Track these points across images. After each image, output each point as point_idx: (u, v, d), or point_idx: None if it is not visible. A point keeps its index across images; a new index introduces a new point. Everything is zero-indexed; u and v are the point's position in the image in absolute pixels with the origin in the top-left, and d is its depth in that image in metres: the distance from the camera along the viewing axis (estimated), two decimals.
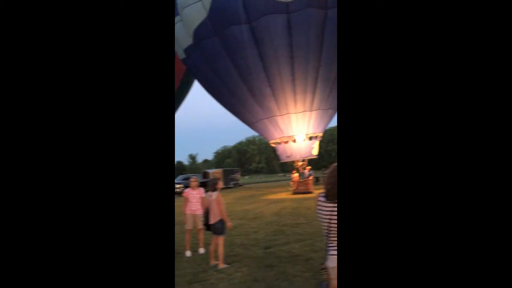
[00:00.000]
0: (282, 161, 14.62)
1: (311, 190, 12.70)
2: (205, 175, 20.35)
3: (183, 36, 11.11)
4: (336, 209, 1.76)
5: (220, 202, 3.78)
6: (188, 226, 4.44)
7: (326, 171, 2.09)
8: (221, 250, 3.67)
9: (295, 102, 11.71)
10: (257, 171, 65.00)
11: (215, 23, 10.11)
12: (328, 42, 10.45)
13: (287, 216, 7.22)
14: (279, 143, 13.33)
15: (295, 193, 13.02)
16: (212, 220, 3.80)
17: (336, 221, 1.75)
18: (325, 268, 1.87)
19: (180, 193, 16.32)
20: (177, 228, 6.41)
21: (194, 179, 4.73)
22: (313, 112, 12.29)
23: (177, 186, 17.38)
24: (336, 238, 1.77)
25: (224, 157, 71.30)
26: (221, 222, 3.74)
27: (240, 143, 72.94)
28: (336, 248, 1.76)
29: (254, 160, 66.70)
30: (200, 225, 4.39)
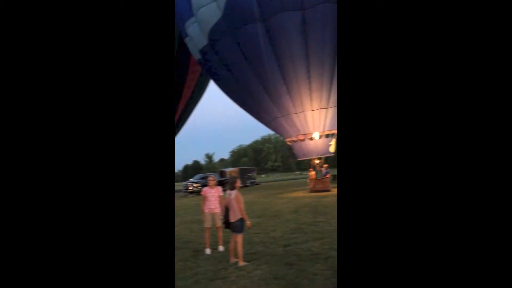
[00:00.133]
0: (298, 159, 14.53)
1: (328, 188, 12.55)
2: (222, 174, 20.52)
3: (198, 36, 11.24)
4: None
5: (240, 201, 3.81)
6: (207, 224, 4.49)
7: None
8: (240, 248, 3.70)
9: (311, 99, 11.60)
10: (273, 170, 64.89)
11: (229, 23, 10.17)
12: None
13: (305, 214, 7.18)
14: (295, 141, 13.25)
15: (312, 191, 12.91)
16: (232, 219, 3.83)
17: None
18: None
19: (198, 192, 16.60)
20: (195, 226, 6.53)
21: (212, 178, 4.78)
22: (329, 109, 12.14)
23: (194, 185, 17.63)
24: None
25: (240, 156, 71.62)
26: (241, 220, 3.77)
27: (256, 142, 73.05)
28: None
29: (270, 159, 66.62)
30: (219, 223, 4.44)
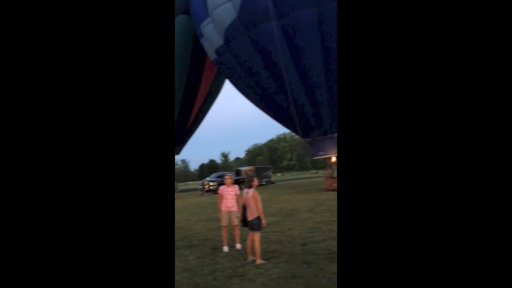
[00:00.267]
0: (314, 158, 14.40)
1: None
2: (238, 172, 20.65)
3: (214, 36, 11.33)
4: None
5: (257, 199, 3.83)
6: (224, 222, 4.54)
7: None
8: (258, 246, 3.72)
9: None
10: (288, 168, 64.62)
11: (245, 22, 10.19)
12: None
13: (322, 213, 7.12)
14: (313, 139, 13.14)
15: (329, 190, 12.77)
16: (249, 217, 3.86)
17: None
18: None
19: (214, 191, 16.78)
20: (213, 224, 6.61)
21: (229, 177, 4.82)
22: None
23: (211, 183, 17.83)
24: None
25: (255, 155, 71.76)
26: (258, 218, 3.79)
27: (271, 141, 72.95)
28: None
29: (286, 157, 66.37)
30: (236, 221, 4.48)
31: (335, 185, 12.81)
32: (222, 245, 4.49)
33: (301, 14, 9.60)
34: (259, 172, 22.17)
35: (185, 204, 12.36)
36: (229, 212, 4.53)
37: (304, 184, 20.08)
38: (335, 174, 13.33)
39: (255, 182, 4.08)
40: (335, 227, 5.32)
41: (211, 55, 12.54)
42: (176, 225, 7.08)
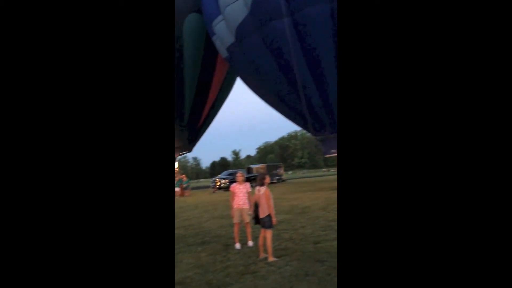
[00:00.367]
0: (326, 156, 14.26)
1: None
2: (249, 170, 20.70)
3: (225, 34, 11.35)
4: None
5: (269, 197, 3.81)
6: (236, 219, 4.55)
7: None
8: (270, 244, 3.71)
9: None
10: (300, 166, 64.35)
11: (256, 19, 10.16)
12: None
13: (334, 211, 7.05)
14: (324, 137, 13.02)
15: None
16: (261, 215, 3.85)
17: None
18: None
19: (226, 188, 16.88)
20: (224, 221, 6.65)
21: (241, 174, 4.81)
22: None
23: (222, 181, 17.94)
24: None
25: (266, 153, 71.77)
26: (270, 216, 3.78)
27: (282, 139, 72.77)
28: None
29: (297, 155, 66.10)
30: (247, 218, 4.48)
31: None
32: (234, 242, 4.51)
33: (313, 10, 9.49)
34: (270, 170, 22.15)
35: (197, 201, 12.48)
36: (241, 210, 4.53)
37: (315, 182, 19.95)
38: None
39: (267, 179, 4.07)
40: None
41: (223, 53, 12.57)
42: (188, 222, 7.15)
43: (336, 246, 4.06)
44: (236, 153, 76.98)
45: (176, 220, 7.54)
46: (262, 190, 3.90)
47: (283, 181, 24.27)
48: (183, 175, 18.77)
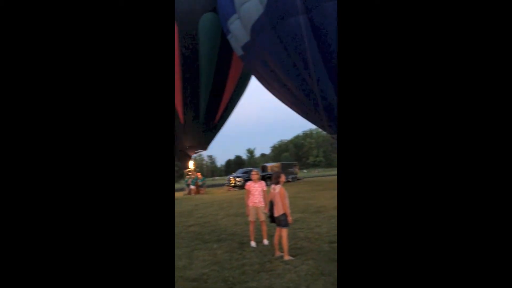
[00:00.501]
0: None
1: None
2: (264, 168, 20.69)
3: (240, 33, 11.38)
4: None
5: (284, 196, 3.81)
6: (251, 218, 4.57)
7: None
8: (285, 242, 3.71)
9: None
10: (315, 165, 63.77)
11: (271, 17, 10.12)
12: None
13: None
14: None
15: None
16: (276, 213, 3.86)
17: None
18: None
19: (240, 186, 16.96)
20: (240, 219, 6.69)
21: (256, 172, 4.82)
22: None
23: (237, 179, 18.03)
24: None
25: (281, 151, 71.52)
26: (285, 215, 3.78)
27: (297, 137, 72.29)
28: None
29: (312, 154, 65.52)
30: (263, 217, 4.49)
31: None
32: (250, 240, 4.53)
33: (329, 7, 9.35)
34: (285, 169, 22.06)
35: (212, 199, 12.61)
36: (256, 208, 4.55)
37: (331, 181, 19.72)
38: None
39: (283, 178, 4.06)
40: None
41: (238, 51, 12.61)
42: (204, 219, 7.24)
43: None
44: (250, 152, 77.13)
45: (192, 217, 7.65)
46: (277, 188, 3.90)
47: (298, 179, 24.12)
48: (199, 173, 18.99)
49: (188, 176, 18.34)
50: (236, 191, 16.04)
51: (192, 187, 17.20)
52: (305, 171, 53.03)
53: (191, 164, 18.39)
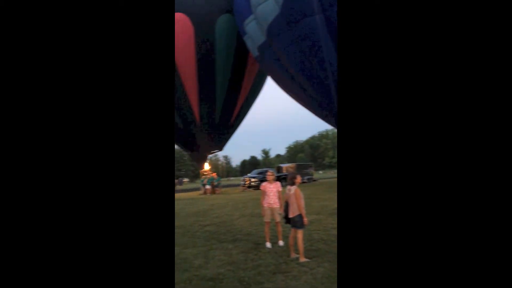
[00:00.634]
0: None
1: None
2: (279, 169, 20.63)
3: (256, 34, 11.40)
4: None
5: (299, 197, 3.79)
6: (266, 218, 4.56)
7: None
8: (301, 244, 3.68)
9: None
10: (331, 166, 62.96)
11: (288, 17, 10.09)
12: None
13: None
14: None
15: None
16: (291, 214, 3.84)
17: None
18: None
19: (255, 187, 16.99)
20: (255, 219, 6.70)
21: (271, 173, 4.81)
22: None
23: (252, 180, 18.07)
24: None
25: (296, 152, 71.08)
26: (300, 216, 3.75)
27: (313, 138, 71.65)
28: None
29: (328, 155, 64.73)
30: (278, 218, 4.48)
31: None
32: (265, 241, 4.53)
33: None
34: (300, 170, 21.91)
35: (227, 199, 12.69)
36: (271, 209, 4.54)
37: None
38: None
39: (298, 179, 4.04)
40: None
41: (253, 52, 12.64)
42: (219, 219, 7.30)
43: None
44: (266, 152, 77.08)
45: (208, 217, 7.73)
46: (292, 189, 3.88)
47: (314, 180, 23.89)
48: (214, 173, 19.17)
49: (204, 176, 18.54)
50: (251, 192, 16.07)
51: (207, 187, 17.38)
52: (320, 172, 52.44)
53: (206, 164, 18.58)
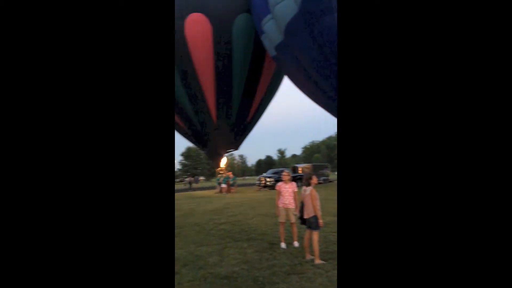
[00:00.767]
0: None
1: None
2: (294, 169, 20.49)
3: (274, 33, 11.37)
4: None
5: (315, 198, 3.74)
6: (281, 219, 4.54)
7: None
8: (316, 246, 3.64)
9: None
10: None
11: (306, 16, 10.00)
12: None
13: None
14: None
15: None
16: (306, 215, 3.80)
17: None
18: None
19: (271, 187, 16.96)
20: (270, 219, 6.69)
21: (287, 173, 4.78)
22: None
23: (268, 179, 18.05)
24: None
25: (312, 152, 70.44)
26: (316, 217, 3.71)
27: (329, 138, 70.73)
28: None
29: None
30: (293, 218, 4.44)
31: None
32: (280, 241, 4.51)
33: None
34: (316, 170, 21.68)
35: (242, 198, 12.74)
36: (287, 209, 4.51)
37: None
38: None
39: (314, 180, 3.99)
40: None
41: (271, 51, 12.61)
42: (235, 218, 7.34)
43: None
44: (281, 152, 76.85)
45: (223, 215, 7.79)
46: (308, 190, 3.84)
47: (330, 181, 23.57)
48: (230, 172, 19.29)
49: (220, 175, 18.70)
50: (267, 191, 16.05)
51: (223, 185, 17.52)
52: (337, 173, 51.68)
53: (222, 163, 18.73)
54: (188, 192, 19.90)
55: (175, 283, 3.13)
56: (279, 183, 4.70)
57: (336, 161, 62.86)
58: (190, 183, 25.58)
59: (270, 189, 16.80)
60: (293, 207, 4.45)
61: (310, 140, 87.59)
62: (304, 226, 3.91)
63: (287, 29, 10.80)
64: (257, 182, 19.37)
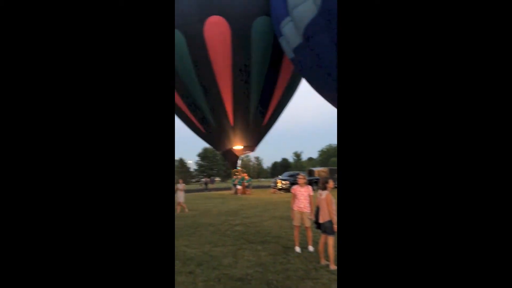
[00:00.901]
0: None
1: None
2: (310, 173, 20.28)
3: (292, 35, 11.34)
4: None
5: (330, 202, 3.69)
6: (296, 222, 4.50)
7: None
8: (331, 251, 3.59)
9: None
10: None
11: (326, 18, 9.92)
12: None
13: None
14: None
15: None
16: (321, 219, 3.75)
17: None
18: None
19: (286, 189, 16.87)
20: (284, 222, 6.65)
21: (302, 177, 4.73)
22: None
23: (283, 182, 17.97)
24: None
25: (329, 156, 69.48)
26: (331, 222, 3.66)
27: None
28: None
29: None
30: (308, 222, 4.39)
31: None
32: (294, 245, 4.47)
33: None
34: (332, 174, 21.36)
35: (257, 200, 12.74)
36: (302, 213, 4.47)
37: None
38: None
39: (331, 184, 3.94)
40: None
41: (289, 54, 12.58)
42: (249, 220, 7.34)
43: None
44: (297, 155, 76.26)
45: (238, 217, 7.81)
46: (324, 194, 3.79)
47: None
48: (245, 174, 19.35)
49: (235, 176, 18.79)
50: (282, 194, 15.97)
51: (238, 187, 17.59)
52: (337, 175, 50.69)
53: (238, 165, 18.81)
54: (204, 193, 20.12)
55: (190, 282, 3.17)
56: (295, 186, 4.66)
57: None
58: (206, 183, 25.85)
59: (285, 191, 16.71)
60: (308, 211, 4.40)
61: (327, 144, 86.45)
62: (319, 231, 3.86)
63: (306, 31, 10.75)
64: (272, 184, 19.31)
